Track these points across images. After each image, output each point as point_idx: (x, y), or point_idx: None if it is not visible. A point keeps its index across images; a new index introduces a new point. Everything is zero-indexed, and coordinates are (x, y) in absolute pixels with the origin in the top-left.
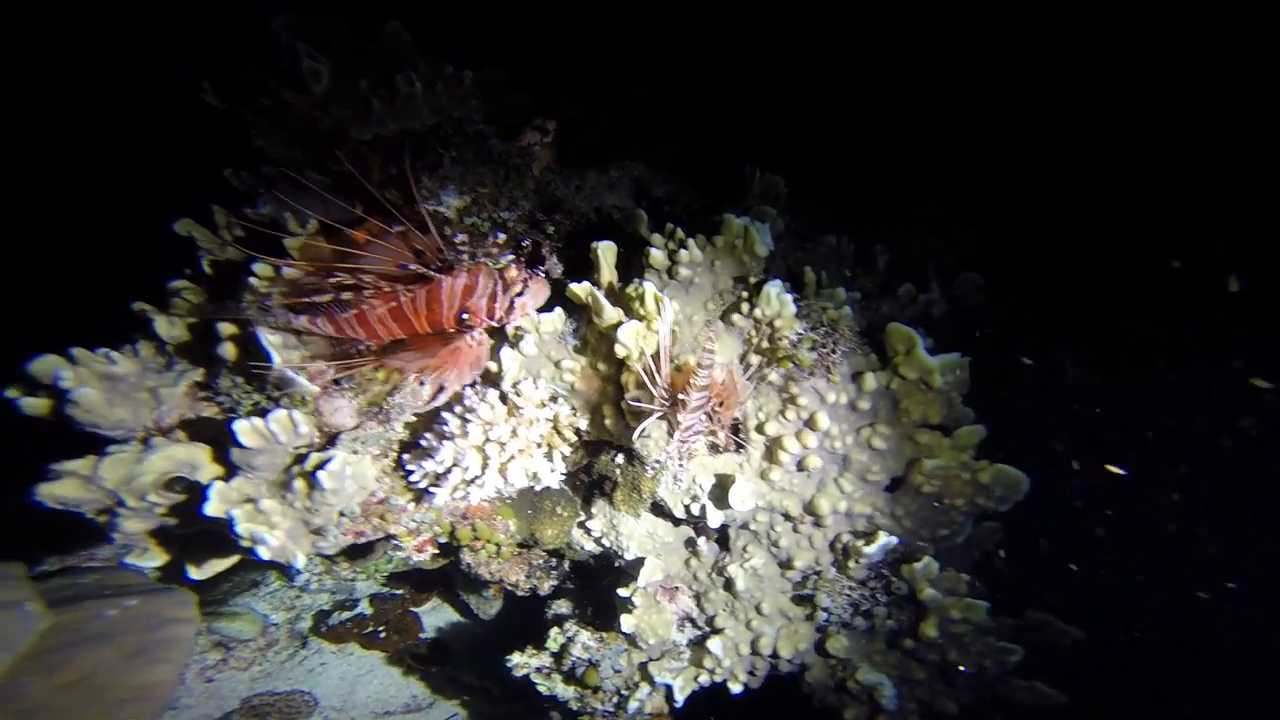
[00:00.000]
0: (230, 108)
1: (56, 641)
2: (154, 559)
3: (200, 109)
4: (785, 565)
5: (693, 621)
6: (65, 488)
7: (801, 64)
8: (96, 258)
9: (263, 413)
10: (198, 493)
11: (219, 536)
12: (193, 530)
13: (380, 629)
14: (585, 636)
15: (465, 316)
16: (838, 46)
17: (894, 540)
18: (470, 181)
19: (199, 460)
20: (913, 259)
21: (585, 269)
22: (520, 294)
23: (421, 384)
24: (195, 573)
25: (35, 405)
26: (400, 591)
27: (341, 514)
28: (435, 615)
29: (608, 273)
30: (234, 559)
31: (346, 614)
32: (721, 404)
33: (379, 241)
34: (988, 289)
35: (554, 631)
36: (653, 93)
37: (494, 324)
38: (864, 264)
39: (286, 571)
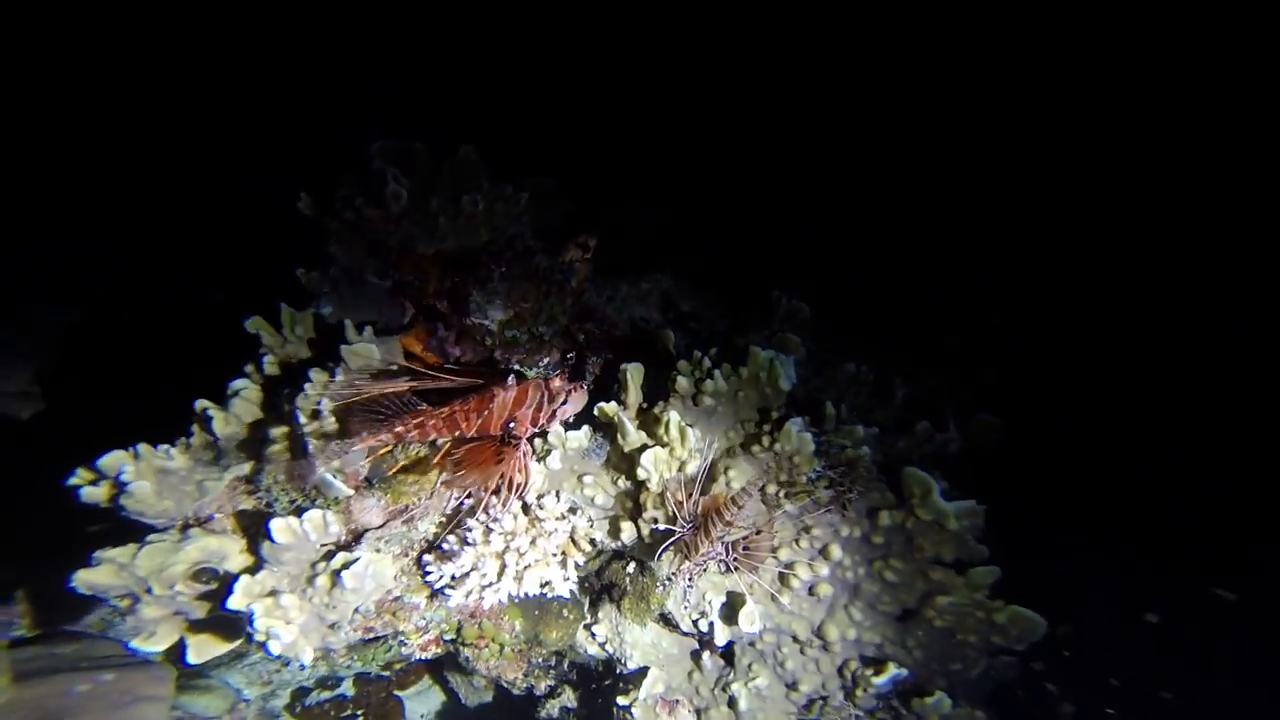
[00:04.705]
0: (317, 216)
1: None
2: (161, 644)
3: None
4: (791, 687)
5: None
6: (101, 574)
7: (837, 198)
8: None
9: (299, 511)
10: (221, 583)
11: (228, 622)
12: (206, 618)
13: (359, 713)
14: None
15: (511, 425)
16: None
17: (904, 673)
18: (515, 297)
19: (229, 551)
20: (931, 394)
21: (612, 375)
22: (564, 403)
23: (462, 499)
24: (193, 655)
25: (95, 494)
26: (387, 673)
27: (356, 610)
28: (420, 701)
29: (634, 393)
30: (233, 645)
31: (327, 694)
32: (746, 550)
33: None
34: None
35: None
36: (685, 206)
37: (536, 431)
38: (882, 394)
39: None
